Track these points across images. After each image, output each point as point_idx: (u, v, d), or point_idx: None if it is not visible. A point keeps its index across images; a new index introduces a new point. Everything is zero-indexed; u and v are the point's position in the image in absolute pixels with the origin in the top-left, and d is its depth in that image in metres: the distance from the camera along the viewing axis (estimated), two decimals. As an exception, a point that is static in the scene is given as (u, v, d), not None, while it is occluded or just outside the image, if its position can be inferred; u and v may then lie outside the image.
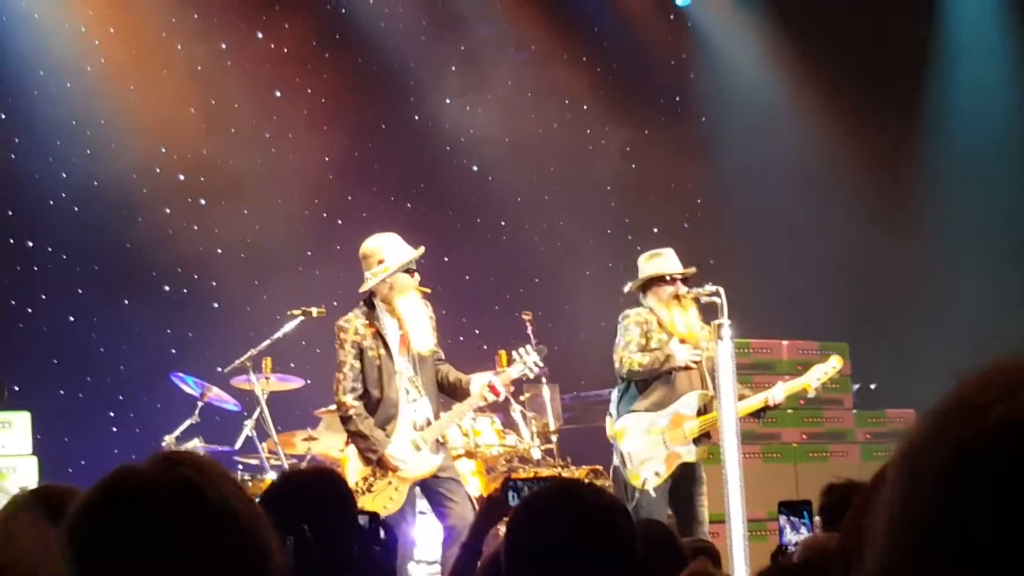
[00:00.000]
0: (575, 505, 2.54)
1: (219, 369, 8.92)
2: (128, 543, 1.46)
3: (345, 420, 7.25)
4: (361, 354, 7.21)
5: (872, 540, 0.99)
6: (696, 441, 7.51)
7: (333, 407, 7.66)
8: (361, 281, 7.33)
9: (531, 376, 7.73)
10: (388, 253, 7.29)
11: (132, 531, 1.46)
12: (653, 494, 7.37)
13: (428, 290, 7.44)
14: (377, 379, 7.20)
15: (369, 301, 7.34)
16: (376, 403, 7.20)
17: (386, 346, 7.22)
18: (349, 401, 7.18)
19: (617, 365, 7.60)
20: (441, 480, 7.21)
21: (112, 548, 1.46)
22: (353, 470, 7.19)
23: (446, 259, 11.86)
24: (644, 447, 7.47)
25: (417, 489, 7.28)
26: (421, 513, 7.75)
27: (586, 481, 7.20)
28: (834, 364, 7.85)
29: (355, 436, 7.21)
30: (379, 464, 7.13)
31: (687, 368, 7.57)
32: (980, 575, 0.90)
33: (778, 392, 7.59)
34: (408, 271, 7.28)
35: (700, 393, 7.55)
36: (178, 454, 1.60)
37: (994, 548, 0.90)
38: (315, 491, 3.54)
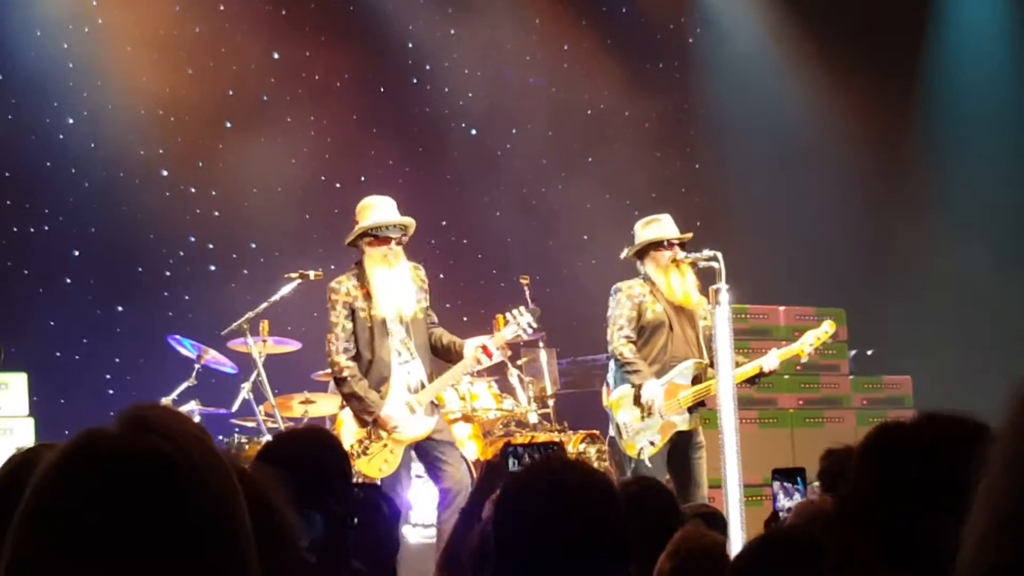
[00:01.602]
0: (554, 487, 2.54)
1: (216, 332, 8.92)
2: (83, 528, 1.25)
3: (339, 381, 7.23)
4: (353, 315, 7.18)
5: (971, 531, 0.96)
6: (691, 410, 7.51)
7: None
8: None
9: (525, 337, 7.71)
10: (364, 215, 7.24)
11: (88, 513, 1.25)
12: (649, 464, 7.36)
13: (411, 264, 7.33)
14: (369, 340, 7.17)
15: (361, 263, 7.31)
16: (368, 364, 7.18)
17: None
18: (343, 362, 7.15)
19: (608, 338, 7.60)
20: (436, 443, 7.20)
21: (65, 533, 1.24)
22: (348, 432, 7.18)
23: (444, 223, 11.84)
24: (639, 417, 7.46)
25: (412, 452, 7.28)
26: (418, 476, 7.75)
27: (573, 456, 7.21)
28: (826, 328, 7.82)
29: (349, 398, 7.20)
30: (375, 425, 7.12)
31: (682, 333, 7.57)
32: None
33: (772, 359, 7.57)
34: (381, 239, 7.18)
35: (695, 362, 7.54)
36: (151, 416, 1.36)
37: None
38: (310, 449, 3.55)
